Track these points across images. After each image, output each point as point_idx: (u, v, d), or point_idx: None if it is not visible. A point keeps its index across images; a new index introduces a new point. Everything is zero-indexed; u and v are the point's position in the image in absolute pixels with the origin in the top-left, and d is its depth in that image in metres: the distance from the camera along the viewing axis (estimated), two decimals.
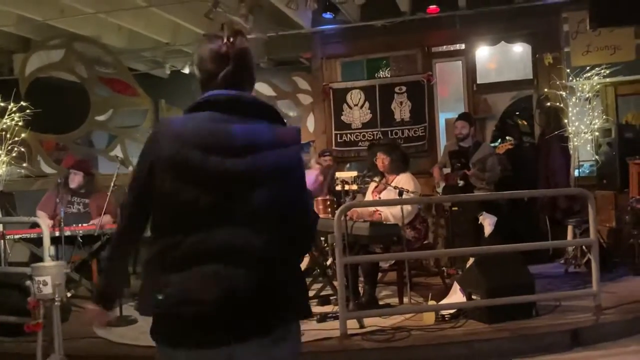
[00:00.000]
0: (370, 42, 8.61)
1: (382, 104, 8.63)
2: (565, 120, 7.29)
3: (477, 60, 8.47)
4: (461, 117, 7.00)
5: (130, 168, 7.66)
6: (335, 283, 5.02)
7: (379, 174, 6.10)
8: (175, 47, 9.29)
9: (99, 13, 7.76)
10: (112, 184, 5.93)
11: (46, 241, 4.82)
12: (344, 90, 8.83)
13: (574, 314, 4.86)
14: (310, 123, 8.94)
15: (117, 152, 8.53)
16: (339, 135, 8.83)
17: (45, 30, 8.50)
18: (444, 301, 5.22)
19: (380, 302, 5.55)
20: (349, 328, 4.58)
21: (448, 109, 8.76)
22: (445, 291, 5.51)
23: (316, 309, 5.22)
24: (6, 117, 7.19)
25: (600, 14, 6.36)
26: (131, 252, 2.10)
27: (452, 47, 8.68)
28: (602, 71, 7.14)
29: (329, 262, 5.99)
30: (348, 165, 8.78)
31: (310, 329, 4.54)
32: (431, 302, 5.14)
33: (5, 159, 7.32)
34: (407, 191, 5.59)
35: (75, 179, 6.49)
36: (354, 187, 6.55)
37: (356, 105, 8.76)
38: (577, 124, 7.23)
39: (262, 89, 8.82)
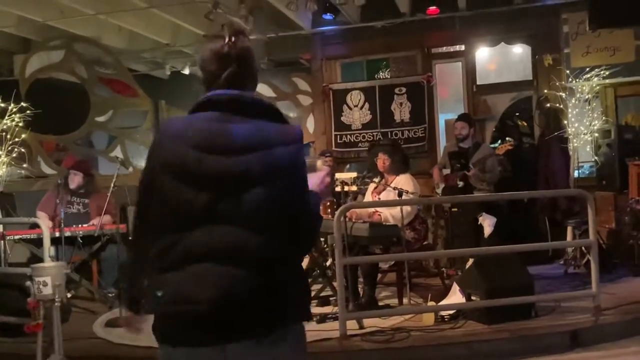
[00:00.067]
0: (370, 43, 8.62)
1: (382, 105, 8.64)
2: (565, 122, 7.30)
3: (477, 62, 8.48)
4: (461, 117, 7.00)
5: (131, 169, 7.68)
6: (334, 284, 5.03)
7: (379, 175, 6.11)
8: (175, 48, 9.30)
9: (99, 14, 7.76)
10: (112, 185, 5.94)
11: (46, 242, 4.82)
12: (344, 91, 8.84)
13: (573, 315, 4.86)
14: (310, 124, 8.95)
15: (117, 152, 8.52)
16: (338, 136, 8.83)
17: (46, 31, 8.51)
18: (443, 302, 5.22)
19: (380, 303, 5.55)
20: (349, 329, 4.58)
21: (448, 110, 8.77)
22: (445, 292, 5.51)
23: (316, 309, 5.22)
24: (6, 117, 7.20)
25: (600, 15, 6.37)
26: (148, 254, 2.10)
27: (451, 48, 8.69)
28: (602, 72, 7.16)
29: (328, 263, 6.00)
30: (348, 166, 8.78)
31: (309, 330, 4.50)
32: (431, 303, 5.14)
33: (5, 159, 7.33)
34: (407, 192, 5.60)
35: (75, 180, 6.50)
36: (354, 188, 6.55)
37: (356, 106, 8.77)
38: (576, 125, 7.25)
39: (262, 89, 8.82)
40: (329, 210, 6.08)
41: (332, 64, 8.99)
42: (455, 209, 6.74)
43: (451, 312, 4.98)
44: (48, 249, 4.84)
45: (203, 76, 2.00)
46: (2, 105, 7.20)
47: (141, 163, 8.99)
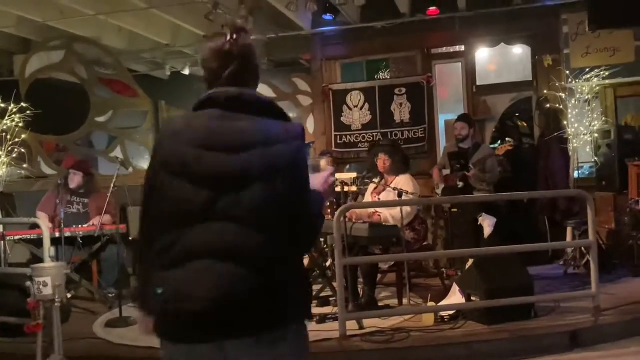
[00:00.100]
0: (370, 43, 8.63)
1: (382, 105, 8.64)
2: (565, 122, 7.30)
3: (477, 62, 8.48)
4: (460, 118, 7.01)
5: (131, 169, 7.68)
6: (334, 284, 5.03)
7: (378, 175, 6.11)
8: (175, 49, 9.30)
9: (99, 14, 7.76)
10: (112, 185, 5.94)
11: (46, 242, 4.82)
12: (344, 91, 8.84)
13: (573, 315, 4.86)
14: (310, 124, 8.95)
15: (117, 153, 8.52)
16: (338, 137, 8.84)
17: (46, 32, 8.51)
18: (443, 302, 5.22)
19: (380, 304, 5.55)
20: (349, 329, 4.58)
21: (448, 110, 8.78)
22: (445, 292, 5.51)
23: (316, 310, 5.22)
24: (6, 118, 7.20)
25: (600, 16, 6.37)
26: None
27: (451, 49, 8.70)
28: (602, 73, 7.16)
29: (328, 264, 6.00)
30: (348, 166, 8.79)
31: (309, 330, 4.53)
32: (430, 304, 5.14)
33: (5, 160, 7.33)
34: (407, 192, 5.60)
35: (75, 179, 6.51)
36: (354, 188, 6.55)
37: (356, 106, 8.78)
38: (576, 125, 7.25)
39: (262, 90, 8.72)
40: (329, 210, 6.09)
41: (332, 65, 8.99)
42: (455, 210, 6.75)
43: (451, 312, 4.98)
44: (48, 250, 4.84)
45: (205, 74, 2.00)
46: (3, 105, 7.20)
47: (141, 163, 9.01)
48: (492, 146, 7.34)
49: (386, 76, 9.38)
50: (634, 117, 8.19)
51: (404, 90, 8.56)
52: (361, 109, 8.75)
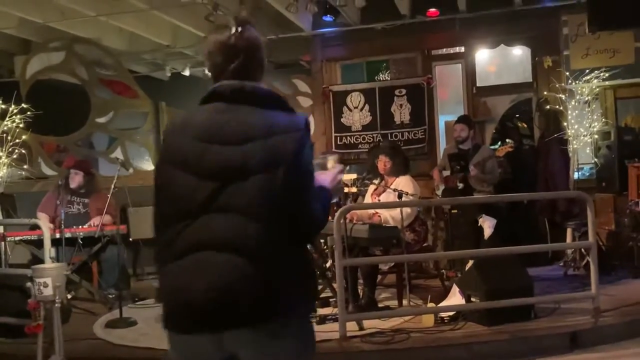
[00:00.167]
0: (370, 44, 8.63)
1: (382, 106, 8.65)
2: (565, 123, 7.31)
3: (477, 63, 8.49)
4: (460, 120, 7.02)
5: (131, 170, 7.69)
6: (334, 285, 5.03)
7: (379, 176, 6.12)
8: (176, 50, 9.30)
9: (99, 15, 7.76)
10: (112, 186, 5.95)
11: (47, 243, 4.83)
12: (344, 92, 8.85)
13: (572, 317, 4.87)
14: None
15: (118, 154, 8.53)
16: (338, 138, 8.84)
17: (46, 33, 8.51)
18: (443, 303, 5.22)
19: (380, 305, 5.56)
20: (348, 330, 4.58)
21: (448, 111, 8.78)
22: (445, 293, 5.52)
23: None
24: (7, 119, 7.21)
25: (599, 17, 6.37)
26: None
27: (451, 50, 8.70)
28: (602, 74, 7.16)
29: (328, 264, 6.00)
30: (348, 167, 8.78)
31: None
32: (430, 305, 5.14)
33: (6, 160, 7.33)
34: (407, 193, 5.60)
35: (76, 179, 6.53)
36: (354, 189, 6.55)
37: (356, 107, 8.79)
38: (576, 126, 7.25)
39: None
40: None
41: (332, 66, 9.00)
42: (455, 211, 6.76)
43: (451, 313, 4.98)
44: (48, 250, 4.85)
45: (209, 68, 2.00)
46: (3, 106, 7.20)
47: (142, 164, 9.02)
48: (492, 147, 7.36)
49: (386, 77, 9.38)
50: (633, 119, 8.19)
51: (404, 91, 8.56)
52: (361, 110, 8.76)
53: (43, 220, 5.54)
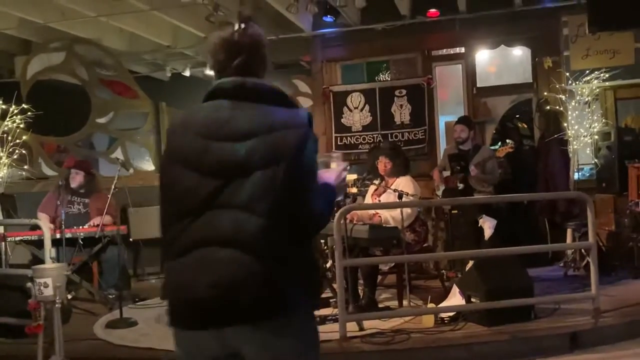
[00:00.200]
0: (371, 45, 8.63)
1: (382, 107, 8.65)
2: (565, 124, 7.31)
3: (477, 64, 8.49)
4: (460, 121, 7.03)
5: (131, 170, 7.69)
6: (334, 285, 5.04)
7: (379, 177, 6.12)
8: (176, 50, 9.30)
9: (99, 16, 7.77)
10: (113, 186, 5.95)
11: (47, 243, 4.83)
12: (344, 93, 8.85)
13: (572, 317, 4.87)
14: None
15: (118, 154, 8.53)
16: (339, 138, 8.84)
17: (47, 33, 8.52)
18: (443, 304, 5.23)
19: (380, 305, 5.56)
20: (349, 330, 4.58)
21: (448, 112, 8.78)
22: (445, 294, 5.52)
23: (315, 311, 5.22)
24: (7, 119, 7.22)
25: (600, 18, 6.36)
26: None
27: (452, 51, 8.70)
28: (602, 75, 7.16)
29: (328, 265, 6.00)
30: (349, 167, 8.79)
31: None
32: (430, 305, 5.15)
33: (6, 161, 7.34)
34: (407, 194, 5.61)
35: (77, 178, 6.54)
36: (354, 190, 6.56)
37: (356, 108, 8.79)
38: (576, 127, 7.25)
39: None
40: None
41: (332, 66, 9.00)
42: (455, 211, 6.76)
43: (451, 314, 4.98)
44: (49, 251, 4.85)
45: (212, 64, 1.99)
46: (4, 107, 7.21)
47: (142, 165, 9.02)
48: (492, 148, 7.36)
49: (386, 78, 9.38)
50: (634, 119, 8.19)
51: (404, 91, 8.57)
52: (361, 110, 8.76)
53: (43, 221, 5.55)
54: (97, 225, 6.03)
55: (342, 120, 8.84)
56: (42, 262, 4.93)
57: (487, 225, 6.36)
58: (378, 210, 5.81)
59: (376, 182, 6.10)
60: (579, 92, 7.26)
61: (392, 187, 5.84)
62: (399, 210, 5.50)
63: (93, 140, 9.76)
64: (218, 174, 1.84)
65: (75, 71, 8.83)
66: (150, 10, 7.67)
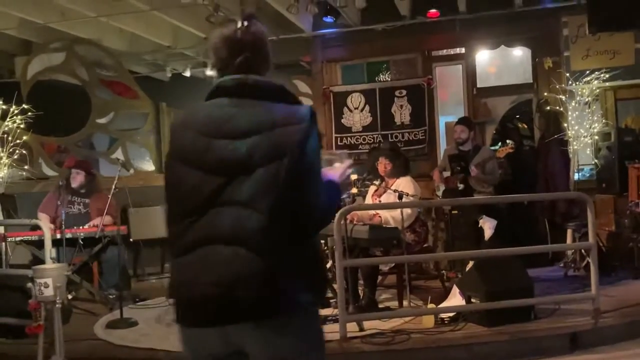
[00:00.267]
0: (371, 45, 8.64)
1: (383, 107, 8.65)
2: (565, 124, 7.32)
3: (477, 64, 8.49)
4: (460, 121, 7.03)
5: (132, 170, 7.69)
6: (335, 286, 5.03)
7: (379, 177, 6.12)
8: (176, 51, 9.31)
9: (100, 16, 7.77)
10: (113, 186, 5.96)
11: (47, 243, 4.84)
12: (344, 93, 8.86)
13: (573, 317, 4.87)
14: None
15: (118, 154, 8.53)
16: (339, 139, 8.85)
17: (47, 33, 8.52)
18: (443, 304, 5.23)
19: (380, 305, 5.56)
20: (349, 331, 4.59)
21: (448, 112, 8.79)
22: (445, 294, 5.52)
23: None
24: (8, 119, 7.22)
25: (600, 18, 6.37)
26: None
27: (452, 51, 8.71)
28: (602, 75, 7.17)
29: (328, 265, 6.00)
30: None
31: None
32: (431, 305, 5.15)
33: (6, 161, 7.35)
34: (407, 194, 5.61)
35: (77, 178, 6.54)
36: (354, 190, 6.55)
37: (356, 108, 8.79)
38: (576, 127, 7.26)
39: None
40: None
41: (332, 67, 9.00)
42: (456, 212, 6.76)
43: (451, 314, 4.98)
44: (49, 251, 4.85)
45: (214, 61, 1.99)
46: (4, 107, 7.21)
47: (142, 165, 9.02)
48: (492, 148, 7.36)
49: (386, 78, 9.38)
50: (634, 120, 8.21)
51: (404, 92, 8.57)
52: (362, 110, 8.76)
53: (44, 221, 5.56)
54: (97, 226, 6.03)
55: (342, 120, 8.84)
56: (42, 262, 4.94)
57: (487, 226, 6.36)
58: (378, 211, 5.81)
59: (376, 182, 6.10)
60: (579, 93, 7.27)
61: (392, 187, 5.84)
62: (399, 210, 5.50)
63: (93, 140, 9.77)
64: (220, 171, 1.84)
65: (76, 71, 8.82)
66: (151, 10, 7.68)
